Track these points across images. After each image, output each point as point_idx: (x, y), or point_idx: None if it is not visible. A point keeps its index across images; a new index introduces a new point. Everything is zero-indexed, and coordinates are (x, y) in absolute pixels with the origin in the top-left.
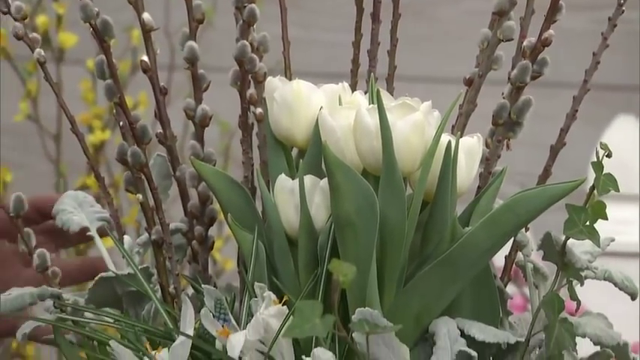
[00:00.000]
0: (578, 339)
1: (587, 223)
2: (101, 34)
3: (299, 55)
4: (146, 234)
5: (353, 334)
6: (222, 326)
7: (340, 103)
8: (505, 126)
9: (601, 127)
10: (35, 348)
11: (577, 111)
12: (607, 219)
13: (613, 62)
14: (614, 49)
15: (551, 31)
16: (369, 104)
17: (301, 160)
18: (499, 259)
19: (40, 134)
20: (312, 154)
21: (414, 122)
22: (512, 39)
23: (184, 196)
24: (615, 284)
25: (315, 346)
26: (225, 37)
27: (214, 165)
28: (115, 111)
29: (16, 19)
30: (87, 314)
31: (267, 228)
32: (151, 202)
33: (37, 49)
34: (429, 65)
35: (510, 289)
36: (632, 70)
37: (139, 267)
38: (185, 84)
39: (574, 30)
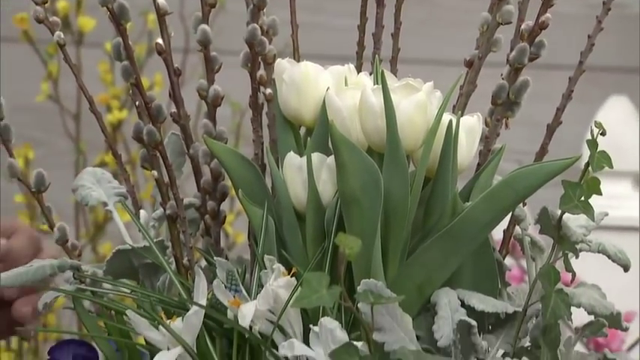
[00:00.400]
0: (573, 309)
1: (582, 198)
2: (118, 18)
3: (307, 39)
4: (161, 209)
5: (358, 305)
6: (234, 297)
7: (346, 84)
8: (504, 106)
9: (594, 107)
10: (56, 316)
11: (572, 91)
12: (601, 194)
13: (606, 45)
14: (607, 32)
15: (548, 14)
16: (374, 85)
17: (309, 139)
18: (498, 233)
19: (61, 114)
20: (320, 133)
21: (417, 102)
22: (510, 22)
23: (197, 173)
24: (609, 256)
25: (322, 316)
26: (237, 21)
27: (226, 143)
28: (131, 91)
29: (37, 3)
30: (105, 285)
31: (276, 203)
32: (166, 179)
33: (57, 32)
34: (432, 48)
35: (508, 261)
36: (623, 52)
37: (155, 240)
38: (198, 66)
39: (570, 14)
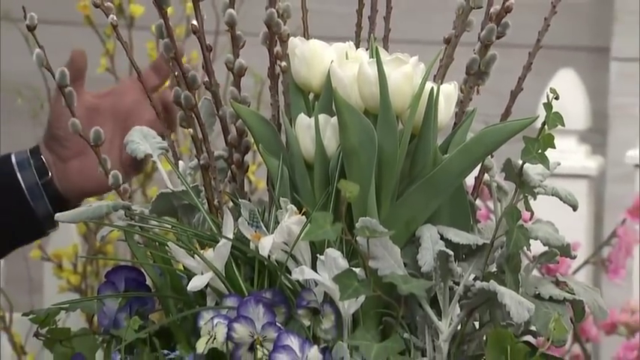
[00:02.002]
0: (531, 241)
1: (540, 151)
2: (161, 4)
3: (314, 22)
4: (196, 160)
5: (357, 238)
6: (255, 231)
7: (347, 58)
8: (475, 75)
9: (546, 79)
10: (113, 247)
11: (532, 63)
12: (555, 148)
13: (556, 26)
14: (558, 15)
15: (512, 0)
16: (370, 59)
17: (316, 103)
18: (470, 180)
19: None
20: (325, 98)
21: (405, 73)
22: (481, 7)
23: (225, 131)
24: (560, 198)
25: (327, 247)
26: (257, 7)
27: (249, 106)
28: (171, 64)
29: None
30: (151, 222)
31: (289, 155)
32: (200, 135)
33: (111, 15)
34: (417, 30)
35: (478, 202)
36: (571, 33)
37: (191, 185)
38: (226, 44)
39: (526, 2)
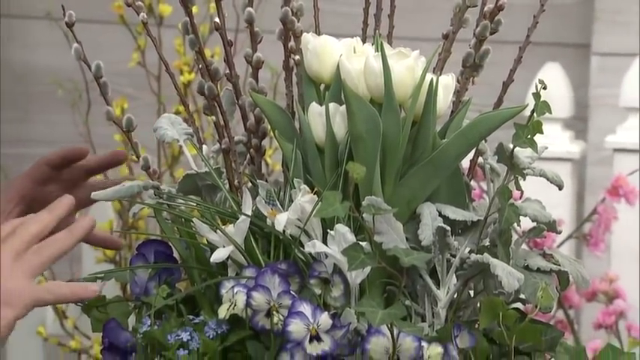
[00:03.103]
0: (521, 217)
1: (529, 136)
2: (186, 3)
3: (325, 20)
4: (218, 144)
5: (363, 215)
6: (271, 209)
7: (354, 52)
8: (471, 68)
9: (534, 72)
10: (144, 223)
11: (522, 57)
12: (543, 133)
13: (543, 25)
14: (544, 15)
15: None
16: (375, 53)
17: (327, 93)
18: (466, 162)
19: (147, 76)
20: (335, 88)
21: (407, 65)
22: (476, 5)
23: (244, 118)
24: (547, 179)
25: (337, 223)
26: (273, 6)
27: (266, 96)
28: (196, 58)
29: None
30: (177, 200)
31: (302, 140)
32: (222, 122)
33: (142, 13)
34: (418, 28)
35: (473, 183)
36: (556, 31)
37: (213, 167)
38: (246, 41)
39: (515, 3)
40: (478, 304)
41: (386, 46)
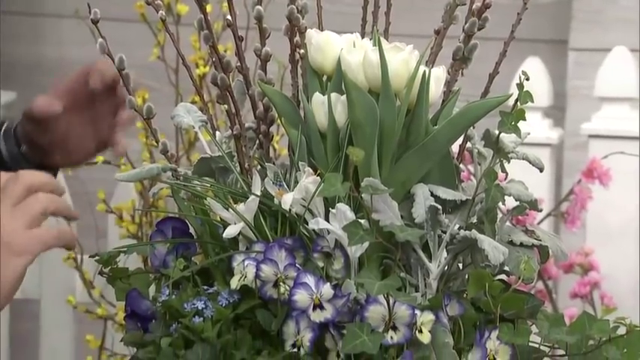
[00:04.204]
0: (505, 197)
1: (513, 123)
2: (201, 1)
3: (327, 18)
4: (230, 130)
5: (362, 195)
6: (278, 189)
7: (354, 47)
8: (460, 60)
9: (516, 65)
10: (164, 202)
11: (506, 51)
12: (526, 120)
13: (524, 22)
14: (526, 14)
15: None
16: (373, 47)
17: (329, 83)
18: (455, 147)
19: (166, 69)
20: (336, 80)
21: (402, 59)
22: (465, 4)
23: (254, 106)
24: (530, 162)
25: (338, 202)
26: (280, 6)
27: (273, 86)
28: (210, 52)
29: None
30: (193, 181)
31: (307, 127)
32: (233, 110)
33: (160, 11)
34: (412, 26)
35: (462, 166)
36: (537, 28)
37: (226, 151)
38: (255, 37)
39: (500, 2)
40: (466, 276)
41: (383, 41)
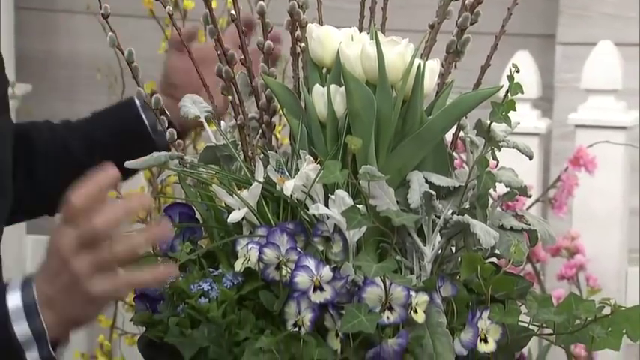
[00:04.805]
0: (496, 184)
1: (504, 113)
2: None
3: (327, 14)
4: (234, 120)
5: (360, 181)
6: (280, 176)
7: (352, 40)
8: (453, 54)
9: (506, 59)
10: (171, 188)
11: (497, 44)
12: (516, 111)
13: (514, 17)
14: (516, 9)
15: None
16: (370, 41)
17: (329, 75)
18: (449, 136)
19: None
20: (335, 72)
21: (398, 52)
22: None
23: (257, 97)
24: (519, 150)
25: (337, 189)
26: (282, 1)
27: (275, 78)
28: (215, 45)
29: None
30: (199, 169)
31: (307, 117)
32: (237, 101)
33: (168, 7)
34: (408, 21)
35: (455, 154)
36: (526, 23)
37: (230, 140)
38: (258, 31)
39: None
40: (459, 259)
41: (380, 35)
